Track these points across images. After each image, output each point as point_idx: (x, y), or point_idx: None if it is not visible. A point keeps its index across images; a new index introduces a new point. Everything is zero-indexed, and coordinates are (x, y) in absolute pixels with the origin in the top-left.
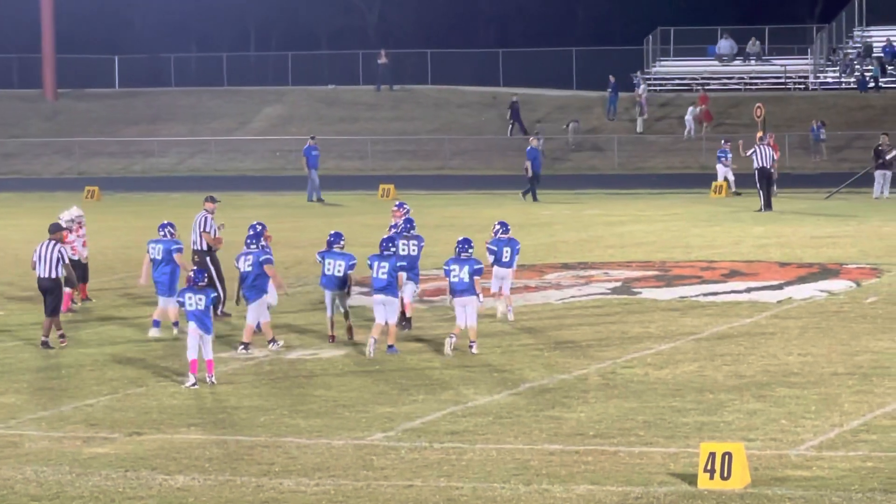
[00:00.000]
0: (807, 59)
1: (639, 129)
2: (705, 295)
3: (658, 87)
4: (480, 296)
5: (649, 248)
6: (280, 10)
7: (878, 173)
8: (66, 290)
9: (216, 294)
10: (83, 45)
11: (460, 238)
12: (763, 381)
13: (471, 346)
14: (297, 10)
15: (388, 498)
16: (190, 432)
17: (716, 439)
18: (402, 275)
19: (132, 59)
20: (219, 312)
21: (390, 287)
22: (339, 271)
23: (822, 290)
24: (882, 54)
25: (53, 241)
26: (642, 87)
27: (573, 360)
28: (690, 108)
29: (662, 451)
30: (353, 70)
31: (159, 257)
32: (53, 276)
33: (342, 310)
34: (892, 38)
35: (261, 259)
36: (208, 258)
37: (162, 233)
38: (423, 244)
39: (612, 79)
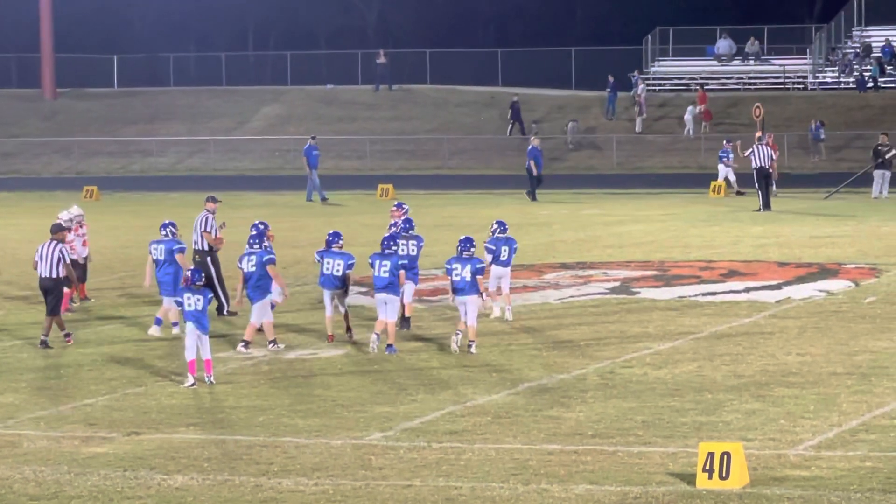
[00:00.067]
0: (806, 58)
1: (637, 128)
2: (704, 295)
3: (657, 87)
4: (484, 295)
5: (648, 247)
6: (279, 10)
7: (877, 173)
8: (65, 289)
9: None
10: (82, 44)
11: (462, 237)
12: (762, 381)
13: (469, 346)
14: (296, 10)
15: (387, 497)
16: (188, 432)
17: (714, 439)
18: (403, 273)
19: (131, 59)
20: (224, 313)
21: (392, 286)
22: (337, 271)
23: (820, 290)
24: (881, 54)
25: (55, 241)
26: (641, 86)
27: (572, 360)
28: (690, 108)
29: (661, 450)
30: (351, 70)
31: (162, 258)
32: (55, 275)
33: (341, 309)
34: (890, 38)
35: (264, 259)
36: (209, 258)
37: (163, 232)
38: (422, 244)
39: (610, 78)
